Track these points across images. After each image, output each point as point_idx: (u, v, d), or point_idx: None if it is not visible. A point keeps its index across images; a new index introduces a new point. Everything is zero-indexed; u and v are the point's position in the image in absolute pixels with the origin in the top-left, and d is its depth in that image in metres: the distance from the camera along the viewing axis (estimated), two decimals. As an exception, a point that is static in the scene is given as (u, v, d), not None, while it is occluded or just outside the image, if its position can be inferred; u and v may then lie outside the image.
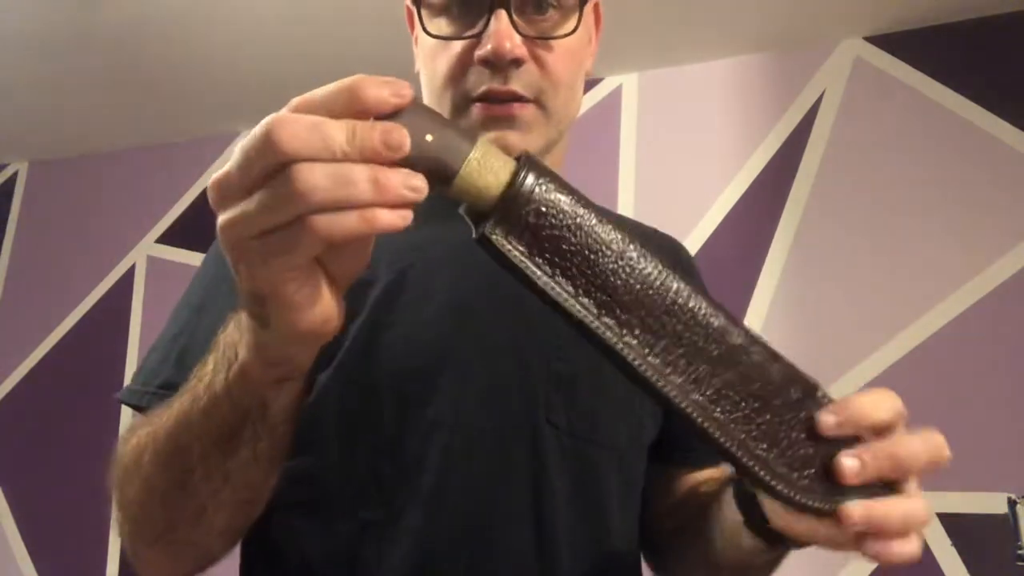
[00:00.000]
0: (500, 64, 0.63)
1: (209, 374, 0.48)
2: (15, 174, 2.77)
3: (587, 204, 0.41)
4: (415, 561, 0.56)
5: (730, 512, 0.56)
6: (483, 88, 0.64)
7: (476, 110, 0.65)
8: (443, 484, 0.58)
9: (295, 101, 0.37)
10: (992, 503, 1.56)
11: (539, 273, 0.39)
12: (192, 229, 2.46)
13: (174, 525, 0.53)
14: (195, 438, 0.49)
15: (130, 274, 2.50)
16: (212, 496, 0.51)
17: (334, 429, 0.60)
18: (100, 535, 2.25)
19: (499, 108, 0.64)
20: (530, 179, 0.39)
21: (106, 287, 2.51)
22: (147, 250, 2.50)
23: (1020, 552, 1.44)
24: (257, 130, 0.36)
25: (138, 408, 0.62)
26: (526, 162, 0.40)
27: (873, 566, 1.63)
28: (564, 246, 0.39)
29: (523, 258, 0.39)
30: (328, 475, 0.59)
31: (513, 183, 0.39)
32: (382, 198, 0.36)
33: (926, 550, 1.60)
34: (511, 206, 0.39)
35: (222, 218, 0.38)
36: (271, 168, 0.35)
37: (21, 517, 2.39)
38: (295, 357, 0.45)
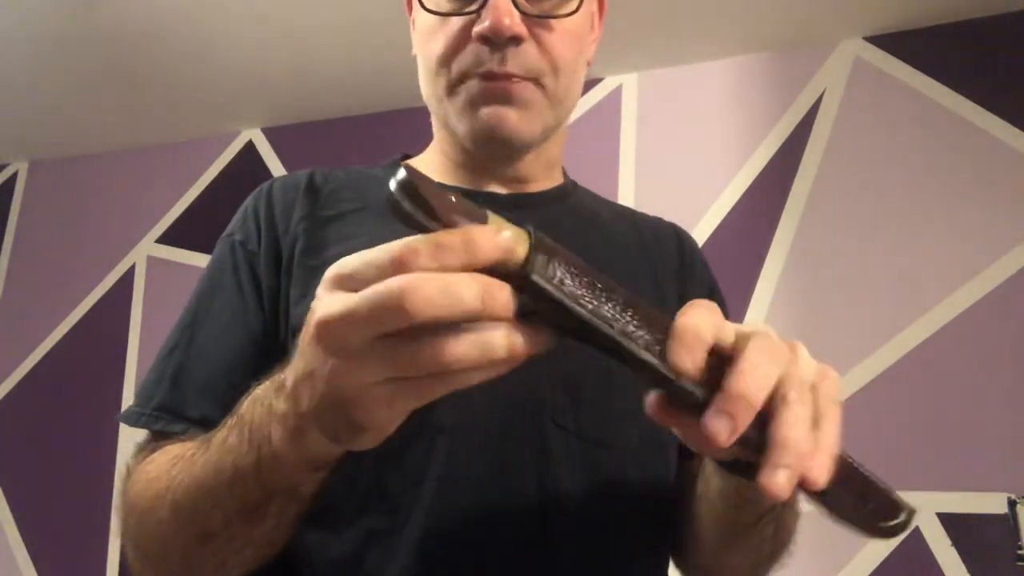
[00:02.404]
0: (498, 41, 0.62)
1: (234, 448, 0.48)
2: (15, 174, 2.77)
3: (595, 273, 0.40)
4: (420, 568, 0.55)
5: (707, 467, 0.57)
6: (481, 69, 0.63)
7: (474, 84, 0.64)
8: (447, 490, 0.57)
9: (407, 251, 0.35)
10: (992, 503, 1.56)
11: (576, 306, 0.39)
12: (192, 229, 2.46)
13: (193, 571, 0.54)
14: (217, 506, 0.49)
15: (130, 274, 2.50)
16: (234, 553, 0.52)
17: None
18: (100, 535, 2.25)
19: (497, 84, 0.64)
20: (547, 244, 0.39)
21: (106, 287, 2.51)
22: (147, 250, 2.50)
23: (1020, 552, 1.44)
24: (384, 290, 0.35)
25: (144, 428, 0.63)
26: (537, 234, 0.39)
27: (874, 565, 1.63)
28: (590, 281, 0.39)
29: (558, 291, 0.38)
30: (333, 484, 0.59)
31: (532, 248, 0.38)
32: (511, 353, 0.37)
33: (926, 550, 1.60)
34: (538, 257, 0.38)
35: (341, 364, 0.37)
36: (403, 328, 0.35)
37: (21, 517, 2.39)
38: (339, 454, 0.45)
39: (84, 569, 2.27)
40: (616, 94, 2.12)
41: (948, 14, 1.85)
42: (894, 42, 1.90)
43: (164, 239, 2.49)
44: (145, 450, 0.62)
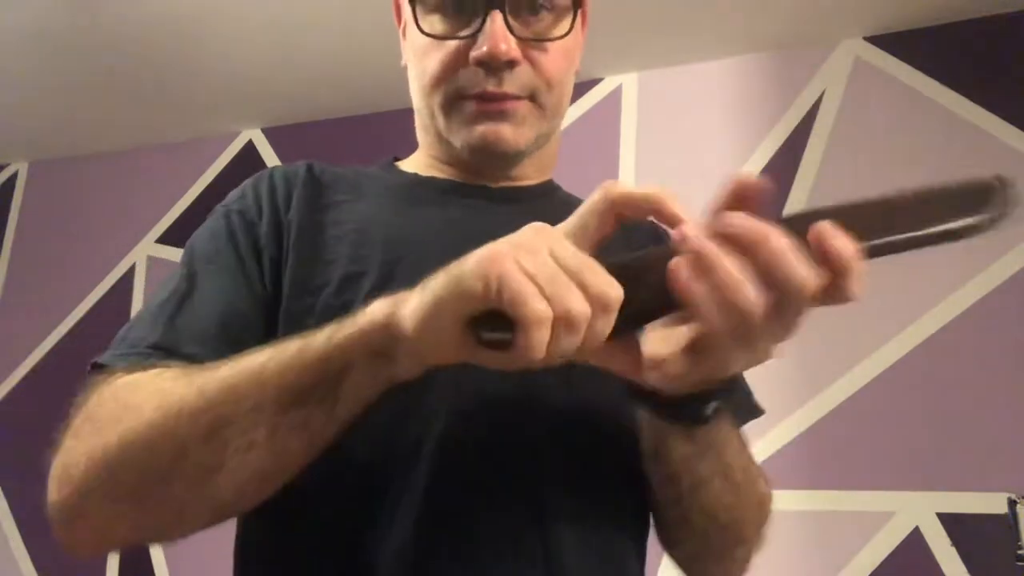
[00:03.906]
0: (495, 65, 0.64)
1: (317, 339, 0.49)
2: (15, 174, 2.77)
3: None
4: (414, 552, 0.56)
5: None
6: (477, 90, 0.66)
7: (470, 106, 0.66)
8: (441, 474, 0.58)
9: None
10: (992, 503, 1.56)
11: None
12: (192, 229, 2.45)
13: (173, 477, 0.50)
14: (261, 381, 0.49)
15: (130, 274, 2.50)
16: (239, 452, 0.49)
17: None
18: (100, 535, 2.25)
19: (493, 104, 0.66)
20: None
21: (106, 287, 2.51)
22: (147, 250, 2.50)
23: (1020, 552, 1.44)
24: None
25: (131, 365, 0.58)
26: None
27: (874, 565, 1.63)
28: None
29: None
30: (326, 466, 0.59)
31: None
32: None
33: (926, 550, 1.60)
34: None
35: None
36: None
37: (21, 517, 2.39)
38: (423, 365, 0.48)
39: (84, 569, 2.27)
40: (616, 94, 2.12)
41: (948, 14, 1.85)
42: (894, 42, 1.90)
43: (164, 239, 2.49)
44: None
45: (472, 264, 0.42)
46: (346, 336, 0.48)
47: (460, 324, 0.43)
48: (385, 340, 0.47)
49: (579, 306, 0.41)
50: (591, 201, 0.47)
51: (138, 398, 0.53)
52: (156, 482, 0.51)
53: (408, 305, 0.46)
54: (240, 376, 0.50)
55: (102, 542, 0.55)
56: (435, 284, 0.44)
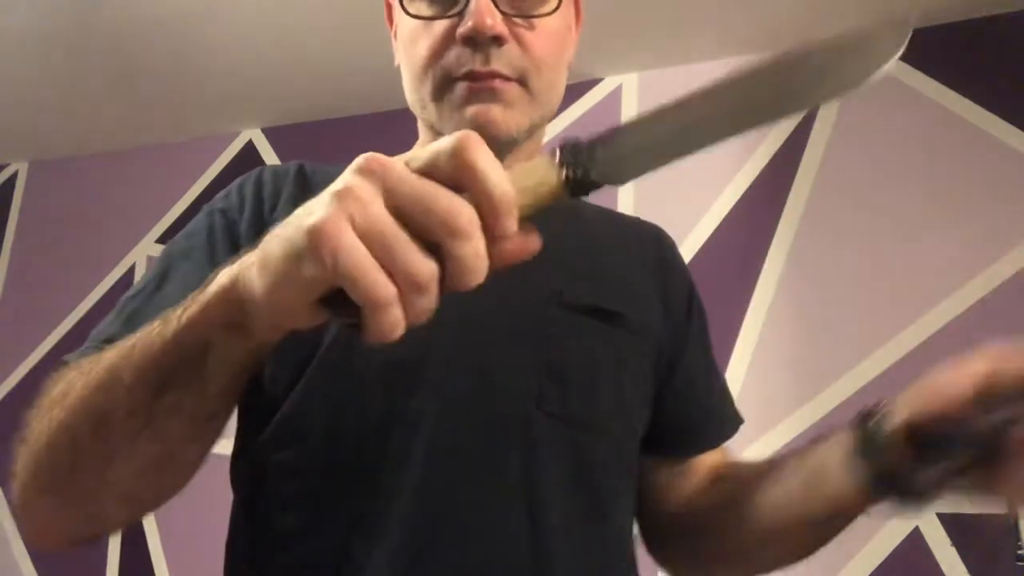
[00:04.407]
0: (481, 41, 0.64)
1: (156, 328, 0.48)
2: (15, 174, 2.77)
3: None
4: (404, 553, 0.56)
5: (834, 457, 0.63)
6: (464, 69, 0.65)
7: (460, 87, 0.66)
8: (431, 474, 0.58)
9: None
10: (992, 503, 1.56)
11: None
12: (192, 229, 2.46)
13: (76, 468, 0.51)
14: (120, 380, 0.48)
15: (130, 274, 2.50)
16: (126, 440, 0.49)
17: (320, 421, 0.60)
18: (100, 535, 2.25)
19: (481, 83, 0.66)
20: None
21: (106, 287, 2.51)
22: (147, 250, 2.50)
23: (1020, 552, 1.44)
24: None
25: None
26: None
27: (874, 565, 1.63)
28: None
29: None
30: (315, 467, 0.59)
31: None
32: None
33: (926, 550, 1.60)
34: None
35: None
36: None
37: (21, 517, 2.39)
38: (273, 331, 0.45)
39: (84, 569, 2.26)
40: (616, 94, 2.12)
41: (948, 14, 1.85)
42: (894, 42, 1.90)
43: (164, 239, 2.49)
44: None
45: (305, 240, 0.37)
46: (195, 313, 0.46)
47: (309, 304, 0.39)
48: (236, 316, 0.44)
49: (420, 266, 0.37)
50: (447, 145, 0.39)
51: (56, 392, 0.54)
52: (65, 474, 0.52)
53: (251, 281, 0.42)
54: (119, 359, 0.49)
55: (49, 535, 0.57)
56: (274, 259, 0.40)
